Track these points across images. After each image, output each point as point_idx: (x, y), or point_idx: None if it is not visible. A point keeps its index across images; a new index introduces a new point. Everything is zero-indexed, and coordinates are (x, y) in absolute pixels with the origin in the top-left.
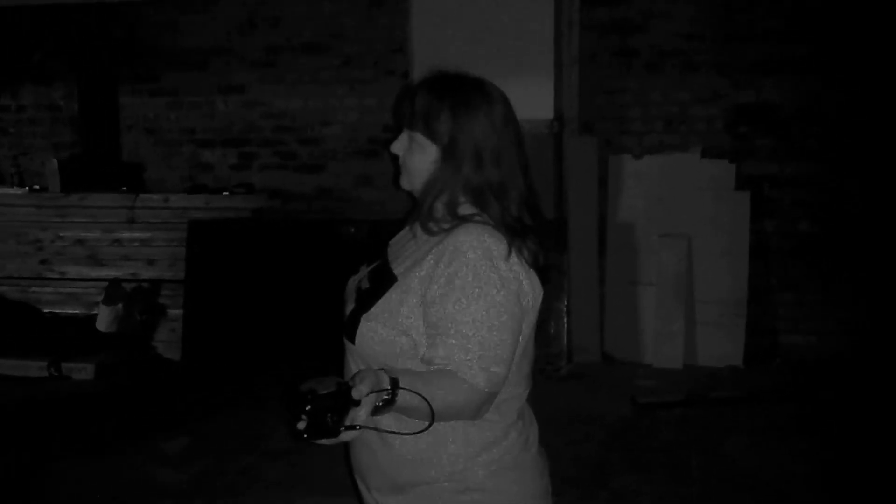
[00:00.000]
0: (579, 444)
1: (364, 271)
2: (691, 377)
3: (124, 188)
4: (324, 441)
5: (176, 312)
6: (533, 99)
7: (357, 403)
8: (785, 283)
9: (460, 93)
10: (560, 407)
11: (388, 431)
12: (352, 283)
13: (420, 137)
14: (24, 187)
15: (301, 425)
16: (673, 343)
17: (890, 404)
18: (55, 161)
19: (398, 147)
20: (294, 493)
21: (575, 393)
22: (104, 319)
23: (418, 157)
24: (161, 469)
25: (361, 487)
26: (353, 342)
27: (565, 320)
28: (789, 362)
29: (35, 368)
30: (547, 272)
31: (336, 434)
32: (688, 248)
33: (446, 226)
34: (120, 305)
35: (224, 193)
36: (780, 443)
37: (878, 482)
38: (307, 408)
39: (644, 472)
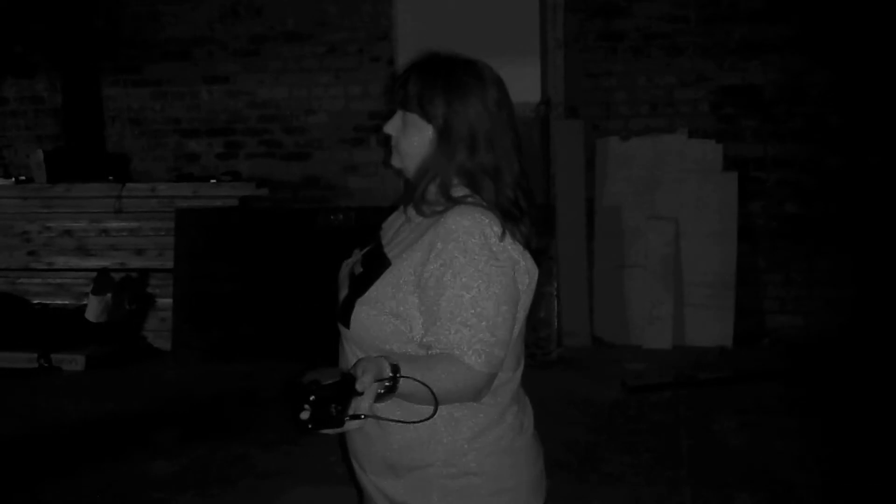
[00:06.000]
0: (570, 427)
1: (357, 255)
2: (680, 358)
3: (110, 178)
4: (328, 431)
5: (165, 301)
6: (519, 83)
7: (359, 392)
8: (772, 264)
9: (455, 75)
10: (551, 391)
11: (392, 420)
12: (345, 268)
13: (414, 118)
14: (10, 178)
15: (304, 415)
16: (662, 325)
17: (876, 383)
18: (40, 152)
19: (392, 127)
20: (286, 482)
21: (565, 376)
22: (93, 310)
23: (412, 138)
24: (154, 460)
25: (357, 469)
26: (347, 327)
27: (555, 304)
28: (777, 342)
29: (25, 360)
30: (539, 255)
31: (341, 424)
32: (675, 230)
33: (439, 208)
34: (109, 295)
35: (211, 181)
36: (768, 422)
37: (866, 460)
38: (311, 398)
39: (634, 454)
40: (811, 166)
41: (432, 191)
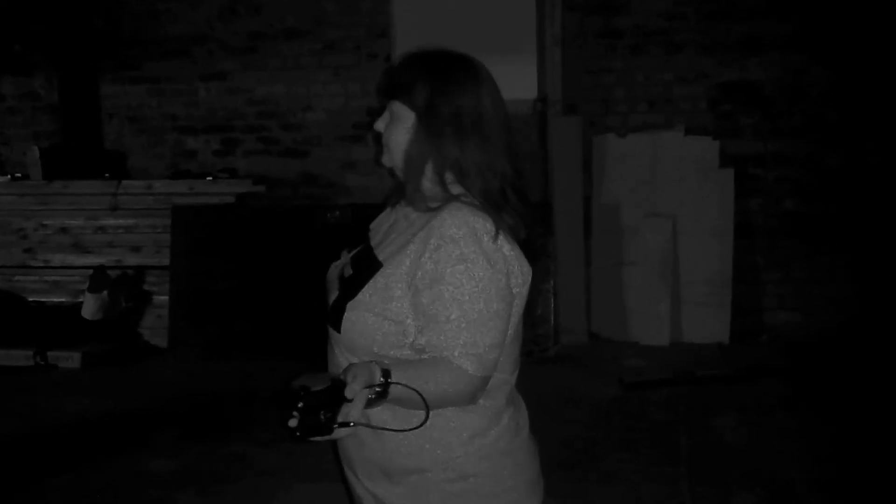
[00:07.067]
0: (568, 425)
1: (346, 257)
2: (678, 355)
3: (107, 175)
4: (317, 439)
5: (162, 299)
6: (516, 80)
7: (349, 399)
8: (770, 261)
9: (443, 64)
10: (548, 388)
11: (383, 429)
12: (333, 270)
13: (398, 106)
14: (6, 176)
15: (293, 423)
16: (659, 322)
17: (876, 380)
18: (36, 149)
19: (381, 124)
20: (285, 480)
21: (563, 374)
22: (90, 307)
23: (397, 129)
24: (153, 459)
25: (349, 475)
26: (338, 331)
27: (552, 301)
28: (776, 339)
29: (21, 357)
30: (531, 248)
31: (330, 432)
32: (673, 227)
33: (434, 203)
34: (105, 293)
35: (208, 178)
36: (767, 420)
37: (865, 458)
38: (300, 405)
39: (632, 451)
40: (810, 164)
41: (426, 184)
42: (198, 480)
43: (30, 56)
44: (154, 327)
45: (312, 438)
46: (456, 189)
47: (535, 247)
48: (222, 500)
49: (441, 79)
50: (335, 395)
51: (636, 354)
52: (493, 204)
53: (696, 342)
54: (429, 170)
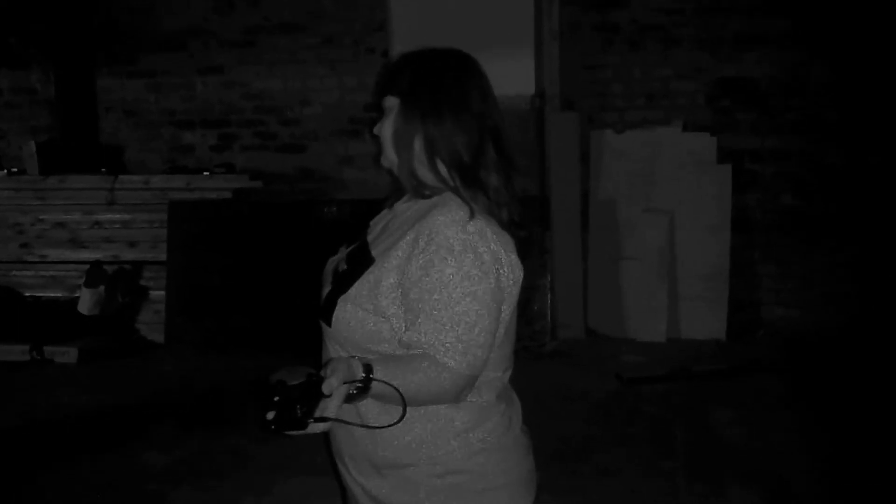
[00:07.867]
0: (564, 420)
1: (343, 253)
2: (675, 351)
3: (103, 170)
4: (293, 433)
5: (158, 294)
6: (514, 75)
7: (327, 394)
8: (768, 256)
9: (430, 54)
10: (545, 384)
11: (357, 424)
12: (330, 265)
13: (389, 100)
14: (3, 170)
15: (270, 415)
16: (656, 317)
17: (872, 375)
18: (33, 143)
19: (378, 126)
20: (281, 474)
21: (559, 369)
22: (86, 302)
23: (387, 121)
24: (148, 452)
25: (342, 469)
26: (329, 325)
27: (549, 297)
28: (772, 335)
29: (17, 352)
30: (517, 237)
31: (304, 426)
32: (670, 222)
33: (427, 191)
34: (102, 288)
35: (205, 174)
36: (764, 415)
37: (862, 455)
38: (275, 398)
39: (629, 446)
40: (808, 159)
41: (419, 168)
42: (194, 474)
43: (26, 50)
44: (151, 322)
45: (288, 432)
46: (451, 181)
47: (520, 237)
48: (218, 494)
49: (426, 64)
50: (313, 389)
51: (633, 350)
52: (469, 184)
53: (693, 338)
54: (418, 146)
